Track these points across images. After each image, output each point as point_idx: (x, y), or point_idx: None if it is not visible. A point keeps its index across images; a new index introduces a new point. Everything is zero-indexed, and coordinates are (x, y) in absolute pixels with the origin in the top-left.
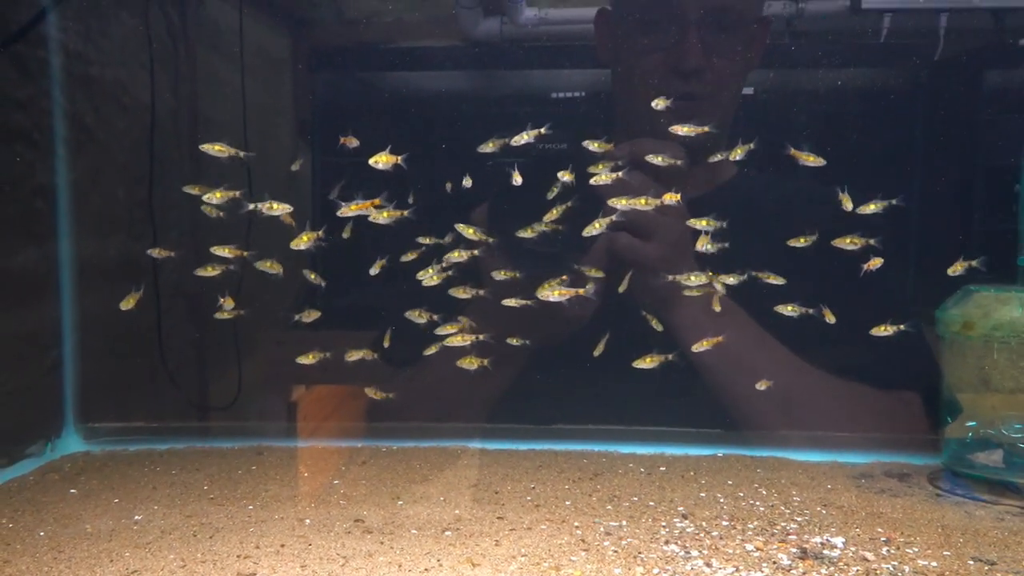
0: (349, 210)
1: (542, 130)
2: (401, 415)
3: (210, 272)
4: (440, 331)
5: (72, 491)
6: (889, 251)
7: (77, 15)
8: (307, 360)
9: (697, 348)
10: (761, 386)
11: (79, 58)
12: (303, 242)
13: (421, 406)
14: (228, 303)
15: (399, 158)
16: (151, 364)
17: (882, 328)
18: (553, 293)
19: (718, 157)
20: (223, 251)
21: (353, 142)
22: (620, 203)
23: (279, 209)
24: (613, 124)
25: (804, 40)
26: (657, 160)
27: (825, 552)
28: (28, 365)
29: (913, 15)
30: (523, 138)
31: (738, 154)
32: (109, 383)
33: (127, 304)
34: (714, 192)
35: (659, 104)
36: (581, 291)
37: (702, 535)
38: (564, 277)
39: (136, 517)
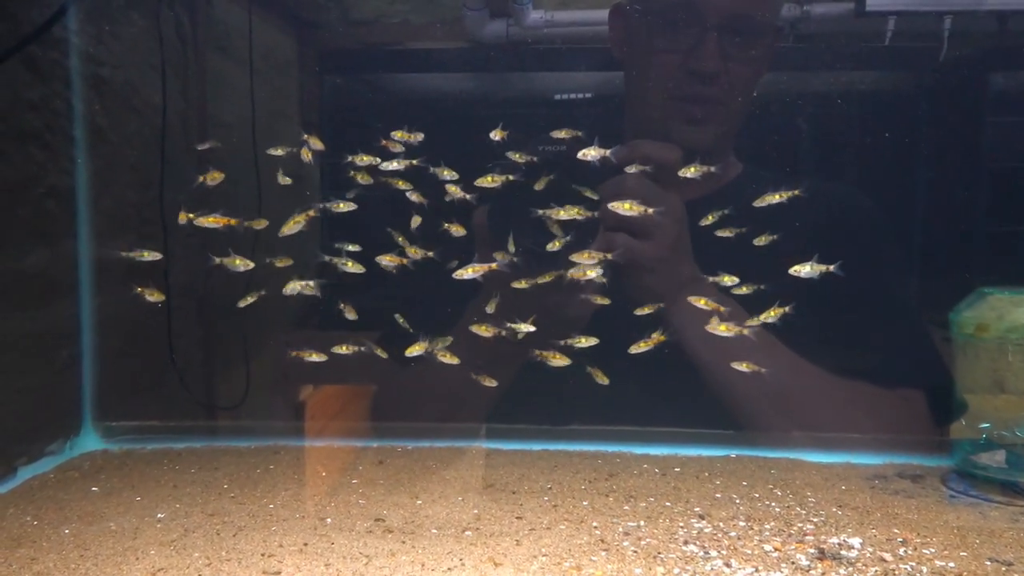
0: (206, 221)
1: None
2: (406, 414)
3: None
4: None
5: (93, 489)
6: (897, 254)
7: (88, 17)
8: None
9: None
10: (743, 367)
11: (91, 60)
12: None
13: (424, 404)
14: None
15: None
16: (164, 363)
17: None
18: (467, 271)
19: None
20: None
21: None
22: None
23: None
24: (623, 124)
25: (809, 43)
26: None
27: (843, 553)
28: (44, 364)
29: (917, 18)
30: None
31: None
32: (126, 382)
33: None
34: (716, 193)
35: (588, 154)
36: (494, 265)
37: (720, 535)
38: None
39: (159, 515)
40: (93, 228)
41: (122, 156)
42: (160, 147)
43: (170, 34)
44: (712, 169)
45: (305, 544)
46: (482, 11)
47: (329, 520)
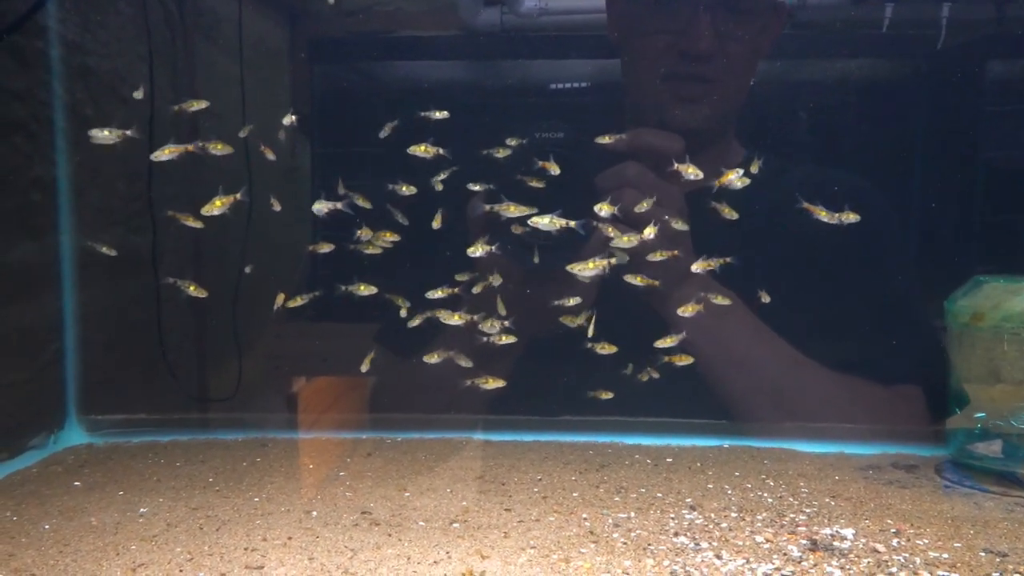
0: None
1: None
2: (403, 406)
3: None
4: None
5: (76, 483)
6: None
7: (75, 5)
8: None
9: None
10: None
11: (77, 49)
12: (216, 207)
13: (423, 397)
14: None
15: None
16: (152, 356)
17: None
18: None
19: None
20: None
21: None
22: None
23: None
24: (622, 111)
25: (806, 30)
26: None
27: (835, 544)
28: (29, 358)
29: (915, 5)
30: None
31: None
32: (111, 375)
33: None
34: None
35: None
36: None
37: (711, 527)
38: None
39: (141, 510)
40: (79, 220)
41: (110, 147)
42: (148, 138)
43: (158, 23)
44: (748, 180)
45: (289, 538)
46: None
47: (315, 513)
